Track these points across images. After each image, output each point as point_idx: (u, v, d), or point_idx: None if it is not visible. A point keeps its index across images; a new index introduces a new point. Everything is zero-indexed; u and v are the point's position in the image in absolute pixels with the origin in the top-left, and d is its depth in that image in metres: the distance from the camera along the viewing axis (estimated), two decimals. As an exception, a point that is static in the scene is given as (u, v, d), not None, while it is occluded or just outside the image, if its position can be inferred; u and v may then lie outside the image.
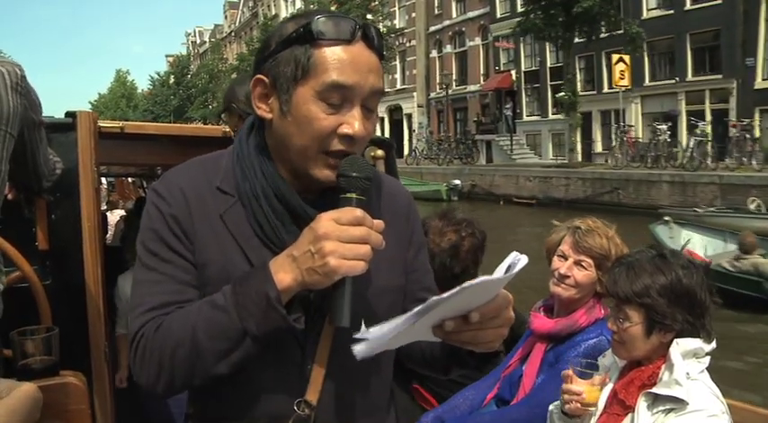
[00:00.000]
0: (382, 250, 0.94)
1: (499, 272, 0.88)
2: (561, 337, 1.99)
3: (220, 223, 1.03)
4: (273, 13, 49.71)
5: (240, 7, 65.47)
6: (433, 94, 36.58)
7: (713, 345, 1.55)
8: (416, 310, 0.85)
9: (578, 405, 1.61)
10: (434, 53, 36.24)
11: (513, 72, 30.16)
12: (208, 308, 0.95)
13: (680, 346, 1.52)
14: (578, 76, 26.78)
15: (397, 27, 31.89)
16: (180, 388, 1.00)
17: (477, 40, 32.72)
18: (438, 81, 36.23)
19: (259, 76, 1.03)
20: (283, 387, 1.02)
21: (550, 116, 28.60)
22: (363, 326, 0.89)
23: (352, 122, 0.98)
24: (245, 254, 1.01)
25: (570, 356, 1.87)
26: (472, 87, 32.98)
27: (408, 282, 1.16)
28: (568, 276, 1.96)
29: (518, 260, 0.89)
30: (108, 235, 4.62)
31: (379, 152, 2.55)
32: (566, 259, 1.98)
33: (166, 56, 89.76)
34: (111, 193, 6.41)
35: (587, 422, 1.64)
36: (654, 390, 1.50)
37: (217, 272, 1.01)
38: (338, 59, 0.97)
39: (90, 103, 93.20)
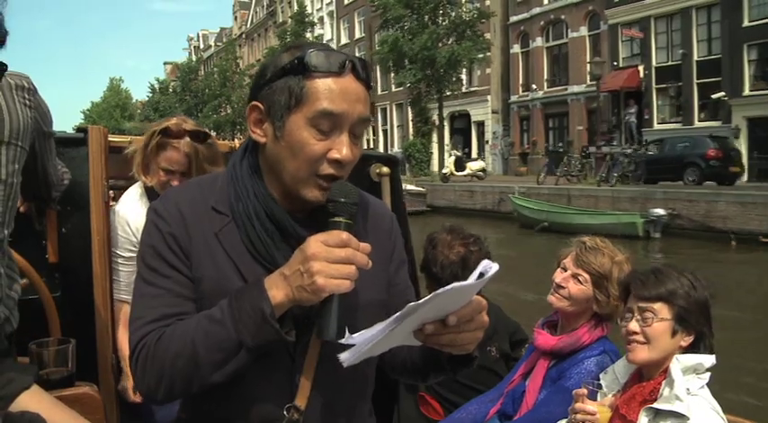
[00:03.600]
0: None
1: (471, 279, 0.92)
2: (564, 354, 1.99)
3: (215, 241, 1.08)
4: (295, 9, 43.62)
5: (252, 7, 59.75)
6: (514, 98, 30.18)
7: (713, 360, 1.58)
8: (395, 316, 0.93)
9: (582, 416, 1.63)
10: (516, 48, 29.91)
11: (640, 68, 23.83)
12: (206, 321, 1.00)
13: (680, 363, 1.56)
14: (747, 69, 20.54)
15: (465, 18, 25.24)
16: (179, 395, 1.06)
17: (583, 31, 26.45)
18: (522, 81, 29.93)
19: (255, 102, 1.08)
20: (274, 393, 1.08)
21: (696, 123, 22.25)
22: (347, 333, 0.98)
23: (341, 148, 1.04)
24: (239, 269, 1.07)
25: (573, 373, 1.92)
26: (575, 88, 26.62)
27: (390, 296, 1.20)
28: (563, 287, 2.00)
29: (489, 268, 0.94)
30: None
31: (385, 169, 2.54)
32: (565, 271, 2.03)
33: (165, 63, 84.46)
34: None
35: None
36: (655, 405, 1.53)
37: (212, 286, 1.06)
38: (329, 89, 1.03)
39: (82, 112, 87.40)
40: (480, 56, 24.72)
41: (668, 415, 1.50)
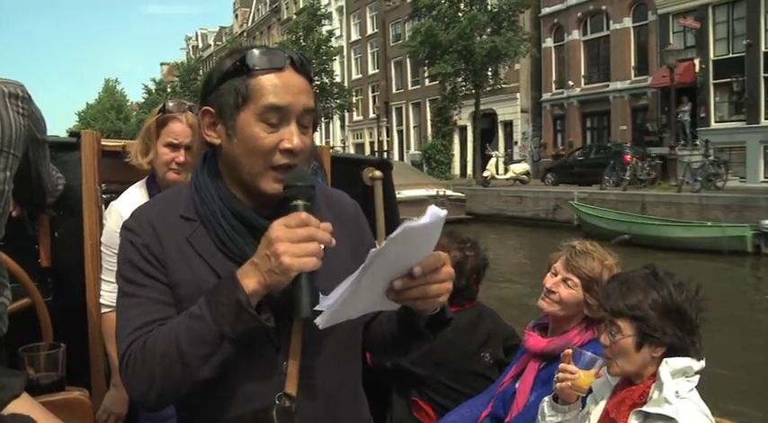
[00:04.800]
0: (339, 252, 1.08)
1: (422, 220, 0.93)
2: (554, 356, 1.97)
3: (187, 246, 1.12)
4: (300, 6, 41.53)
5: (254, 4, 57.76)
6: (546, 96, 28.01)
7: (702, 364, 1.56)
8: (360, 268, 0.94)
9: (569, 384, 1.67)
10: (549, 42, 27.71)
11: (696, 61, 21.71)
12: (186, 319, 1.03)
13: (669, 366, 1.55)
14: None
15: (503, 7, 22.86)
16: (169, 398, 1.07)
17: (627, 22, 24.27)
18: (555, 78, 27.78)
19: (206, 107, 1.13)
20: (264, 384, 1.09)
21: (763, 121, 20.11)
22: (321, 296, 1.00)
23: (291, 137, 1.08)
24: (214, 270, 1.10)
25: None
26: (618, 84, 24.46)
27: None
28: (554, 292, 2.00)
29: (439, 212, 0.95)
30: None
31: (377, 173, 2.53)
32: (555, 275, 2.02)
33: (161, 64, 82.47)
34: None
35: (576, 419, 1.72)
36: (644, 408, 1.53)
37: (190, 289, 1.09)
38: (272, 84, 1.08)
39: (77, 114, 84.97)
40: (523, 48, 22.40)
41: (657, 418, 1.51)
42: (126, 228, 1.15)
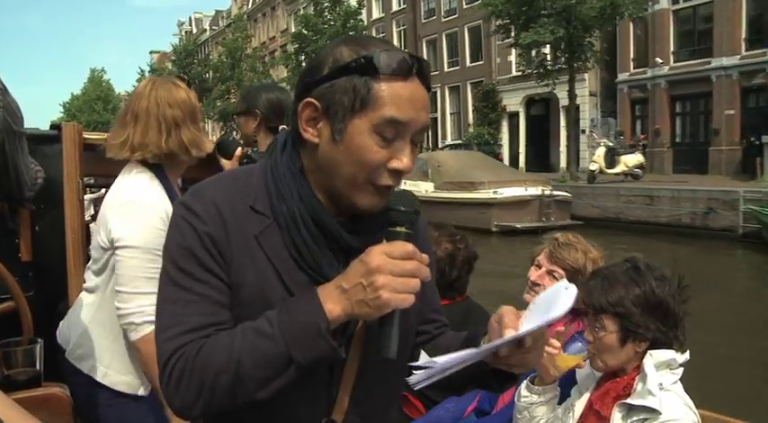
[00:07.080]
0: None
1: (559, 308, 0.91)
2: None
3: (255, 244, 1.02)
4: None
5: (255, -16, 53.45)
6: (623, 76, 23.90)
7: (686, 356, 1.57)
8: (493, 343, 0.94)
9: (547, 347, 1.64)
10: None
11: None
12: (253, 335, 0.94)
13: (653, 358, 1.56)
14: None
15: None
16: (215, 411, 0.99)
17: (735, -15, 20.23)
18: (633, 55, 23.67)
19: (310, 99, 1.00)
20: (311, 407, 1.05)
21: None
22: (426, 356, 0.98)
23: (402, 157, 1.00)
24: (281, 276, 1.01)
25: None
26: (725, 61, 20.41)
27: (421, 303, 1.11)
28: (539, 284, 2.00)
29: (569, 289, 0.94)
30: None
31: None
32: (539, 268, 2.05)
33: (151, 52, 77.96)
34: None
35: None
36: (628, 400, 1.54)
37: (253, 293, 1.01)
38: (397, 95, 0.97)
39: (61, 105, 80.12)
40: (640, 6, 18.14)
41: (641, 410, 1.50)
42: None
